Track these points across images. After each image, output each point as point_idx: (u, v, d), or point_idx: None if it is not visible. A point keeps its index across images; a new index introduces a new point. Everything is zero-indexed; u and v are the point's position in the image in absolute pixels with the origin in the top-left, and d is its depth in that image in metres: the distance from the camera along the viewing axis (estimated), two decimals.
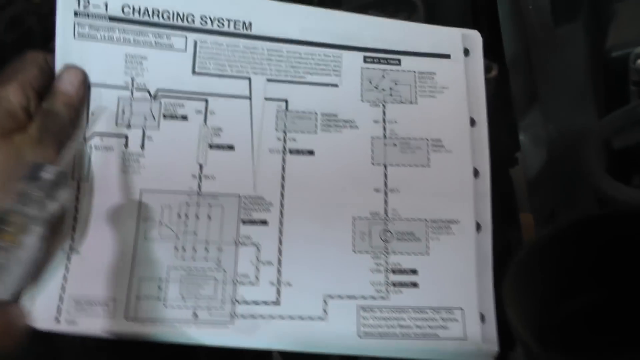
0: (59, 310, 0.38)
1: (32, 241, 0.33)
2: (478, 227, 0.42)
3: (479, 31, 0.46)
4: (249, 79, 0.42)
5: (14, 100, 0.37)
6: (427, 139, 0.43)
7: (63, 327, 0.38)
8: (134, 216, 0.40)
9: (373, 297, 0.40)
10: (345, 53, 0.44)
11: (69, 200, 0.38)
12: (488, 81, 0.45)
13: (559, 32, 0.48)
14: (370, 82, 0.44)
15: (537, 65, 0.49)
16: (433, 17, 0.51)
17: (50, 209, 0.34)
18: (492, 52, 0.47)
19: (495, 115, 0.44)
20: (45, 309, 0.38)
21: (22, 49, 0.58)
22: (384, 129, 0.43)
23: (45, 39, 0.56)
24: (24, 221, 0.33)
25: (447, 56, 0.45)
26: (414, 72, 0.44)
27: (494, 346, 0.39)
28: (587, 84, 0.45)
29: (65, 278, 0.39)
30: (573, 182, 0.44)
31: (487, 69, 0.45)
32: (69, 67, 0.40)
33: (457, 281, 0.40)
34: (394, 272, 0.40)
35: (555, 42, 0.48)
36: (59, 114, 0.39)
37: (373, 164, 0.42)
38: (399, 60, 0.44)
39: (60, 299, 0.38)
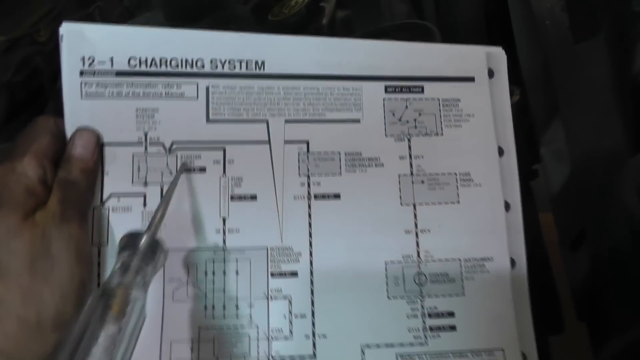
0: None
1: (137, 308, 0.33)
2: (512, 263, 0.40)
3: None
4: (267, 122, 0.40)
5: (32, 175, 0.35)
6: (456, 173, 0.41)
7: None
8: (160, 277, 0.39)
9: (411, 344, 0.39)
10: (365, 84, 0.42)
11: (164, 261, 0.38)
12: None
13: (579, 48, 0.46)
14: (394, 114, 0.42)
15: (558, 83, 0.47)
16: (449, 41, 0.49)
17: (149, 274, 0.35)
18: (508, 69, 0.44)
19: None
20: None
21: (30, 87, 0.57)
22: (411, 165, 0.41)
23: (52, 77, 0.54)
24: (128, 292, 0.33)
25: (472, 79, 0.43)
26: (438, 99, 0.42)
27: None
28: (612, 103, 0.43)
29: None
30: (602, 203, 0.43)
31: (510, 93, 0.43)
32: (81, 130, 0.38)
33: (496, 321, 0.40)
34: (430, 316, 0.40)
35: (575, 59, 0.45)
36: (77, 183, 0.37)
37: (402, 204, 0.41)
38: (422, 88, 0.42)
39: None
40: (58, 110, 0.50)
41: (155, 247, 0.36)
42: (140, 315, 0.33)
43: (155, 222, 0.36)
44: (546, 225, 0.50)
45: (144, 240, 0.35)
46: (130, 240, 0.35)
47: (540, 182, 0.51)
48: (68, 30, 0.38)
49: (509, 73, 0.43)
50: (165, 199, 0.38)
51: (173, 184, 0.38)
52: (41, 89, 0.56)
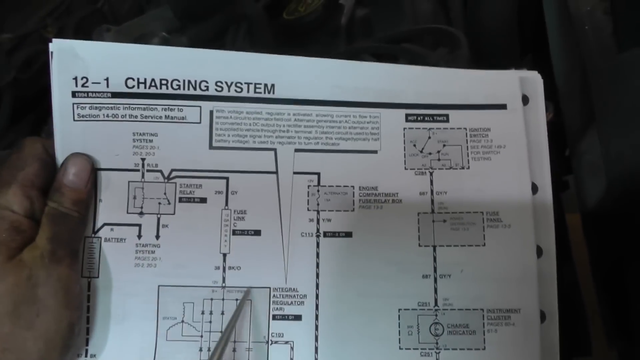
0: None
1: None
2: (543, 316, 0.36)
3: (534, 61, 0.39)
4: (275, 150, 0.37)
5: (17, 209, 0.33)
6: (482, 212, 0.37)
7: None
8: (153, 315, 0.36)
9: None
10: (384, 112, 0.38)
11: None
12: None
13: (623, 57, 0.41)
14: (415, 145, 0.38)
15: (596, 94, 0.42)
16: (477, 47, 0.44)
17: None
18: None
19: None
20: None
21: (38, 85, 0.55)
22: (432, 202, 0.37)
23: None
24: None
25: (503, 107, 0.38)
26: (465, 129, 0.38)
27: None
28: None
29: None
30: None
31: None
32: (74, 156, 0.35)
33: None
34: None
35: (617, 69, 0.41)
36: (68, 216, 0.34)
37: (420, 245, 0.37)
38: (447, 116, 0.38)
39: None
40: None
41: None
42: None
43: None
44: (572, 226, 0.46)
45: None
46: None
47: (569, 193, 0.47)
48: (59, 48, 0.35)
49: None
50: (224, 337, 0.34)
51: (233, 320, 0.35)
52: (49, 87, 0.55)
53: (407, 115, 0.38)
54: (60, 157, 0.35)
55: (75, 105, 0.35)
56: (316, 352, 0.36)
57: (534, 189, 0.37)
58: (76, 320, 0.34)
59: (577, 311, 0.43)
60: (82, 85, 0.35)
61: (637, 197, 0.39)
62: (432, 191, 0.37)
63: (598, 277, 0.44)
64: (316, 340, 0.36)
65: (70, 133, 0.36)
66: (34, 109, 0.57)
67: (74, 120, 0.36)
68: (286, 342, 0.36)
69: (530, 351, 0.36)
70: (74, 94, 0.35)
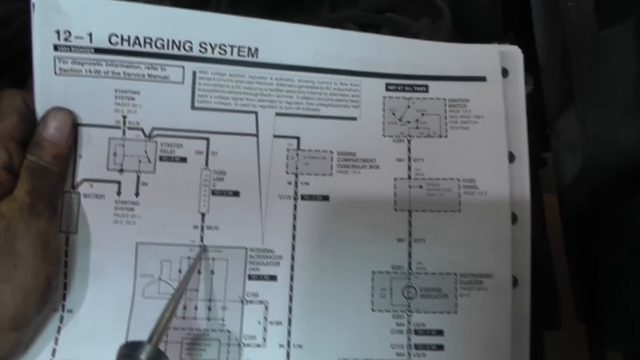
0: None
1: None
2: (515, 282, 0.37)
3: (517, 38, 0.40)
4: (256, 114, 0.37)
5: None
6: (459, 179, 0.38)
7: None
8: (131, 272, 0.36)
9: None
10: (365, 80, 0.38)
11: None
12: None
13: (603, 35, 0.42)
14: (394, 114, 0.38)
15: (576, 71, 0.42)
16: (461, 20, 0.45)
17: None
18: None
19: None
20: None
21: (17, 45, 0.54)
22: (409, 168, 0.38)
23: None
24: None
25: (483, 79, 0.39)
26: (444, 99, 0.39)
27: None
28: (635, 97, 0.39)
29: (56, 341, 0.36)
30: (616, 203, 0.39)
31: None
32: (55, 110, 0.35)
33: (489, 344, 0.36)
34: (417, 333, 0.36)
35: (598, 46, 0.41)
36: (48, 170, 0.34)
37: (396, 209, 0.37)
38: (427, 87, 0.39)
39: None
40: None
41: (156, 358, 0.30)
42: None
43: (160, 329, 0.31)
44: (549, 207, 0.47)
45: (146, 351, 0.30)
46: (130, 350, 0.30)
47: (547, 169, 0.48)
48: (41, 0, 0.35)
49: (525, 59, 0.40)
50: (175, 298, 0.33)
51: (185, 280, 0.35)
52: (29, 48, 0.54)
53: (387, 85, 0.38)
54: (40, 110, 0.35)
55: (56, 59, 0.36)
56: (290, 312, 0.36)
57: (511, 157, 0.38)
58: (54, 274, 0.34)
59: (548, 285, 0.43)
60: (65, 40, 0.35)
61: (612, 174, 0.40)
62: (409, 158, 0.38)
63: (570, 254, 0.44)
64: (290, 300, 0.36)
65: (51, 87, 0.36)
66: (10, 71, 0.56)
67: (55, 74, 0.36)
68: (261, 302, 0.36)
69: (501, 316, 0.36)
70: (55, 47, 0.35)
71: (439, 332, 0.36)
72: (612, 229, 0.40)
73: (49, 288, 0.34)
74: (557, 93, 0.45)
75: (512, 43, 0.41)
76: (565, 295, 0.43)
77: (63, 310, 0.36)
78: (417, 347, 0.36)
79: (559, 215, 0.45)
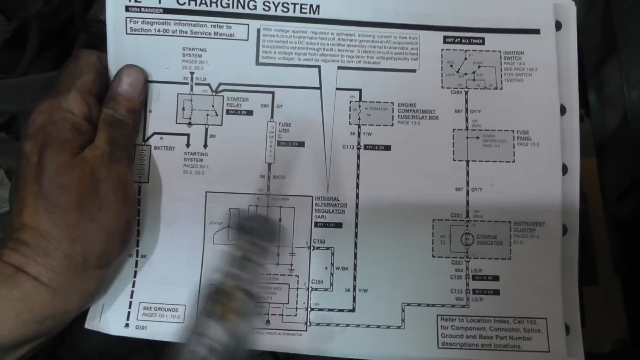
0: (128, 316, 0.37)
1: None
2: (564, 230, 0.39)
3: None
4: (319, 68, 0.39)
5: (77, 112, 0.35)
6: (513, 131, 0.39)
7: (132, 333, 0.37)
8: (201, 220, 0.38)
9: (453, 305, 0.38)
10: (423, 33, 0.39)
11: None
12: None
13: None
14: (452, 66, 0.39)
15: (619, 22, 0.43)
16: None
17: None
18: None
19: None
20: (115, 315, 0.37)
21: (61, 18, 0.55)
22: (466, 119, 0.39)
23: (84, 7, 0.53)
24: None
25: (537, 31, 0.40)
26: (500, 51, 0.40)
27: None
28: None
29: (133, 284, 0.38)
30: None
31: None
32: (128, 67, 0.37)
33: (541, 289, 0.38)
34: (474, 278, 0.38)
35: None
36: (123, 122, 0.36)
37: (454, 159, 0.39)
38: (483, 39, 0.40)
39: (130, 305, 0.37)
40: (90, 43, 0.49)
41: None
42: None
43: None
44: (586, 171, 0.48)
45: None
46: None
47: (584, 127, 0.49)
48: None
49: None
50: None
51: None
52: (72, 20, 0.55)
53: (445, 38, 0.39)
54: (112, 68, 0.37)
55: (128, 20, 0.37)
56: (355, 257, 0.38)
57: (563, 110, 0.39)
58: (132, 218, 0.36)
59: (586, 241, 0.45)
60: (136, 1, 0.37)
61: None
62: (466, 109, 0.39)
63: (607, 206, 0.46)
64: (355, 247, 0.38)
65: (122, 45, 0.37)
66: (55, 43, 0.57)
67: (127, 33, 0.37)
68: (327, 248, 0.38)
69: (552, 262, 0.38)
70: (127, 8, 0.37)
71: (495, 278, 0.38)
72: None
73: (129, 230, 0.36)
74: (597, 47, 0.46)
75: None
76: (600, 254, 0.45)
77: (137, 256, 0.38)
78: (475, 292, 0.38)
79: (592, 177, 0.46)
